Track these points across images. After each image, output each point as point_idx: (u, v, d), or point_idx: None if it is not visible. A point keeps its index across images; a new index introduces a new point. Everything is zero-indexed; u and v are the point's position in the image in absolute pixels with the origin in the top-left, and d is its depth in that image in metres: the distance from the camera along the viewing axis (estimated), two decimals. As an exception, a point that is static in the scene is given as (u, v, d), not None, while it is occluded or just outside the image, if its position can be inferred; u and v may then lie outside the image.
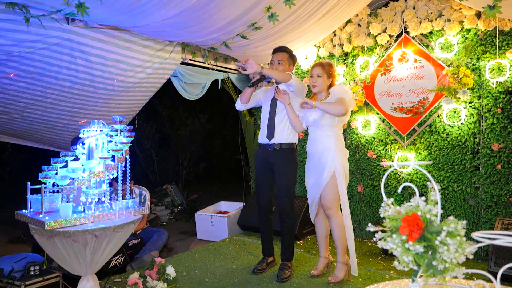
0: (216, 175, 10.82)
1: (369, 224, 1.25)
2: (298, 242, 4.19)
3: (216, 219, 4.72)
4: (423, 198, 1.10)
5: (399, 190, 1.32)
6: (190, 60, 4.33)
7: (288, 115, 3.16)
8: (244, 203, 4.87)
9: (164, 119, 9.19)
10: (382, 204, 1.17)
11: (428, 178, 3.76)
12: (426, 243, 1.08)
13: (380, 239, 1.13)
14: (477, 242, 1.02)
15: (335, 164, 2.95)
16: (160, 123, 9.16)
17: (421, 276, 1.09)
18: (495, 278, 0.98)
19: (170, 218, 6.31)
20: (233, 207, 5.08)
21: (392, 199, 1.17)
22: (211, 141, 10.53)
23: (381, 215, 1.17)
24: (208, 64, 4.59)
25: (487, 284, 1.14)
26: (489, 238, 1.02)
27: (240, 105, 3.39)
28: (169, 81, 4.49)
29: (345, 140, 4.27)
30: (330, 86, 3.11)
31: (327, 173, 2.97)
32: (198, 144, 9.31)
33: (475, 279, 1.06)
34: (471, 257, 1.04)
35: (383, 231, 1.13)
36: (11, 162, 8.76)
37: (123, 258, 3.44)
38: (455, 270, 1.04)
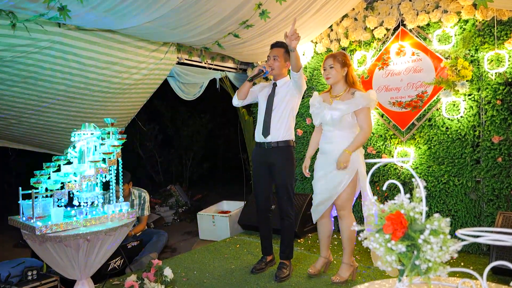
0: (220, 175, 10.80)
1: (354, 223, 1.22)
2: (299, 241, 4.16)
3: (218, 219, 4.70)
4: (408, 195, 1.07)
5: (384, 188, 1.28)
6: (186, 59, 4.30)
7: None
8: (245, 202, 4.85)
9: (166, 120, 9.19)
10: (366, 203, 1.13)
11: (427, 173, 3.71)
12: (410, 242, 1.05)
13: (364, 239, 1.10)
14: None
15: (356, 165, 2.85)
16: (163, 124, 9.17)
17: (407, 276, 1.06)
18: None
19: (175, 219, 6.30)
20: (235, 207, 5.06)
21: (375, 197, 1.14)
22: (214, 141, 10.51)
23: (365, 214, 1.14)
24: (205, 63, 4.57)
25: (473, 282, 1.10)
26: (473, 236, 0.99)
27: (237, 101, 3.32)
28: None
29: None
30: (347, 76, 2.95)
31: (348, 175, 2.83)
32: (201, 144, 9.31)
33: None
34: (455, 255, 1.01)
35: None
36: (16, 167, 8.82)
37: (122, 261, 3.44)
38: (439, 269, 1.01)
